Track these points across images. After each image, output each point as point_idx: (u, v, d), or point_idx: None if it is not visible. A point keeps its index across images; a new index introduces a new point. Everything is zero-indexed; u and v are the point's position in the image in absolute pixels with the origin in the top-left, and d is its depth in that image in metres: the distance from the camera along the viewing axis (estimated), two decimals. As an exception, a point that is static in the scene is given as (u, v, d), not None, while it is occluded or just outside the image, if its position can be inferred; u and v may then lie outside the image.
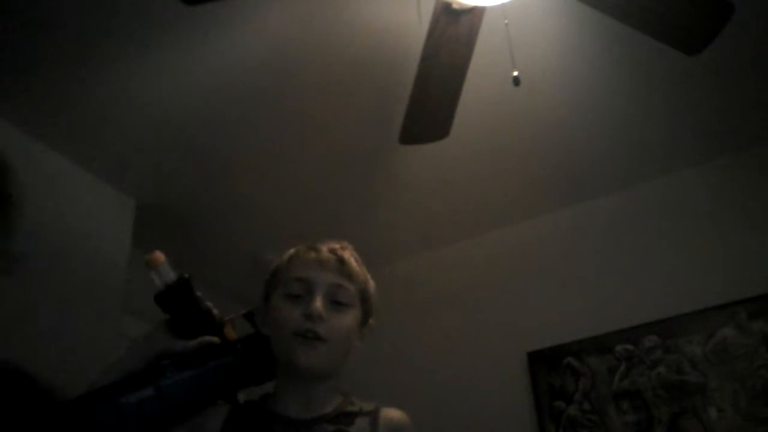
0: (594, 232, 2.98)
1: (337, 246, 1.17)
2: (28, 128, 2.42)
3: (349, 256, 1.16)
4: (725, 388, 2.44)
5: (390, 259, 3.38)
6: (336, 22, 2.12)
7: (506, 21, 1.93)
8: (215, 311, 1.10)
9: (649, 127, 2.64)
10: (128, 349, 1.07)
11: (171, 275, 1.07)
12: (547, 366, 2.79)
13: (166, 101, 2.36)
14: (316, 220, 3.06)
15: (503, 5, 1.85)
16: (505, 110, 2.51)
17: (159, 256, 1.07)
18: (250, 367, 1.06)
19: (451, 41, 1.78)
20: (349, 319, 1.09)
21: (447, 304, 3.16)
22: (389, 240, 3.24)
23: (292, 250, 1.18)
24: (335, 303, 1.08)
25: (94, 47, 2.12)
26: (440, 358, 3.04)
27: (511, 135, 2.63)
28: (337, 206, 2.99)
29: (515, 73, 1.79)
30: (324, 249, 1.15)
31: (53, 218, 2.47)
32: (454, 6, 1.70)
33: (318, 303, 1.05)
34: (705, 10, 1.70)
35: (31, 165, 2.45)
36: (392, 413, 1.12)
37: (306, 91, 2.37)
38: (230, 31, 2.11)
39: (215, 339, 1.06)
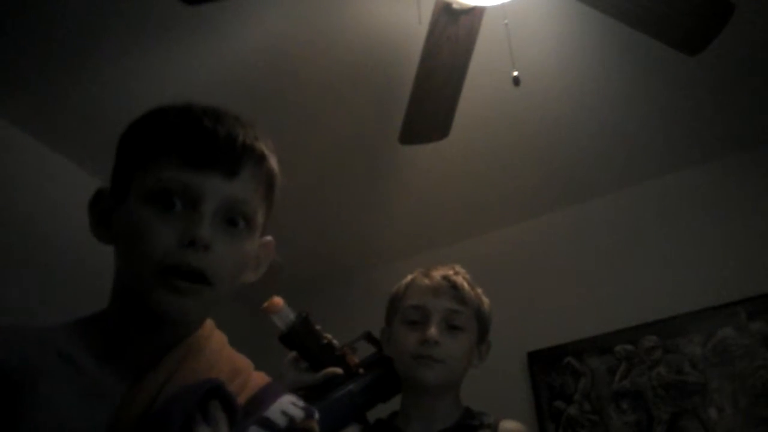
0: (594, 232, 2.98)
1: (450, 272, 1.23)
2: (28, 128, 2.42)
3: (462, 280, 1.22)
4: (725, 388, 2.44)
5: (390, 259, 3.38)
6: (336, 22, 2.12)
7: (506, 21, 1.93)
8: (335, 341, 1.14)
9: (649, 127, 2.64)
10: None
11: (291, 316, 1.12)
12: (547, 366, 2.79)
13: (167, 101, 2.35)
14: (316, 220, 3.06)
15: (503, 5, 1.85)
16: (505, 110, 2.51)
17: (278, 301, 1.12)
18: (373, 389, 1.12)
19: (451, 41, 1.78)
20: (464, 341, 1.17)
21: (447, 304, 3.16)
22: (389, 240, 3.24)
23: (408, 278, 1.26)
24: (451, 327, 1.16)
25: (93, 47, 2.12)
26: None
27: (510, 135, 2.63)
28: (336, 206, 2.99)
29: (515, 73, 1.79)
30: (437, 276, 1.21)
31: (53, 218, 2.47)
32: (454, 6, 1.70)
33: (433, 329, 1.14)
34: (705, 10, 1.70)
35: (30, 165, 2.46)
36: (511, 425, 1.20)
37: (305, 91, 2.37)
38: (230, 31, 2.11)
39: (338, 370, 1.10)
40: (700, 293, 2.62)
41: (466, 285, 1.21)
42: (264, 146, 0.86)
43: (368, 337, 1.17)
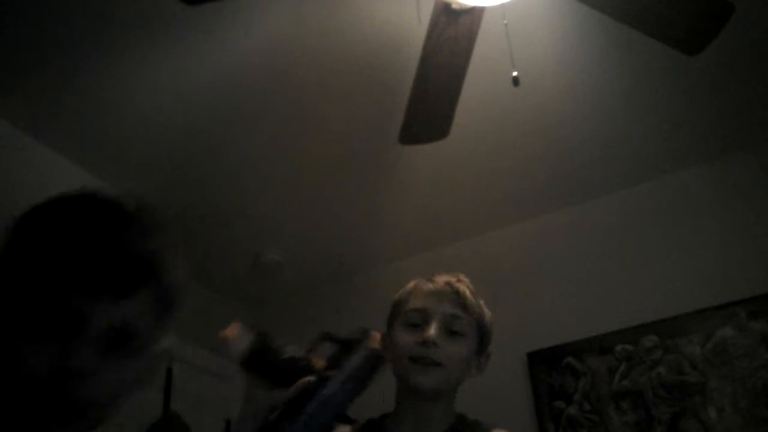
0: (594, 232, 2.97)
1: (453, 278, 1.24)
2: (28, 128, 2.42)
3: (465, 288, 1.22)
4: (725, 388, 2.44)
5: (390, 259, 3.38)
6: (336, 23, 2.12)
7: (506, 21, 1.93)
8: (296, 352, 1.11)
9: (649, 127, 2.63)
10: (236, 424, 1.11)
11: (246, 339, 1.09)
12: (547, 366, 2.79)
13: (167, 101, 2.36)
14: (316, 220, 3.06)
15: (503, 5, 1.85)
16: (505, 110, 2.51)
17: (233, 330, 1.09)
18: (349, 383, 1.09)
19: (451, 41, 1.78)
20: (464, 347, 1.17)
21: (447, 304, 3.16)
22: (389, 240, 3.24)
23: (412, 283, 1.25)
24: (451, 332, 1.15)
25: (94, 47, 2.12)
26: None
27: (511, 135, 2.63)
28: (336, 206, 2.99)
29: (515, 73, 1.79)
30: (440, 281, 1.22)
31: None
32: (454, 6, 1.70)
33: (433, 330, 1.13)
34: (705, 10, 1.70)
35: (30, 165, 2.46)
36: None
37: (306, 91, 2.37)
38: (230, 31, 2.11)
39: (308, 379, 1.07)
40: (700, 293, 2.62)
41: (468, 293, 1.21)
42: None
43: (327, 337, 1.14)
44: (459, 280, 1.23)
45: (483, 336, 1.21)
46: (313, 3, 2.06)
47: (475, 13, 1.74)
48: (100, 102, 2.33)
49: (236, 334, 1.08)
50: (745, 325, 2.48)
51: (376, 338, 1.09)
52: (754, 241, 2.62)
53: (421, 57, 1.83)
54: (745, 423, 2.36)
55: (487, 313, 1.24)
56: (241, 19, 2.07)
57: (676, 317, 2.62)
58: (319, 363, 1.10)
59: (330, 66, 2.28)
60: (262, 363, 1.08)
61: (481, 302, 1.23)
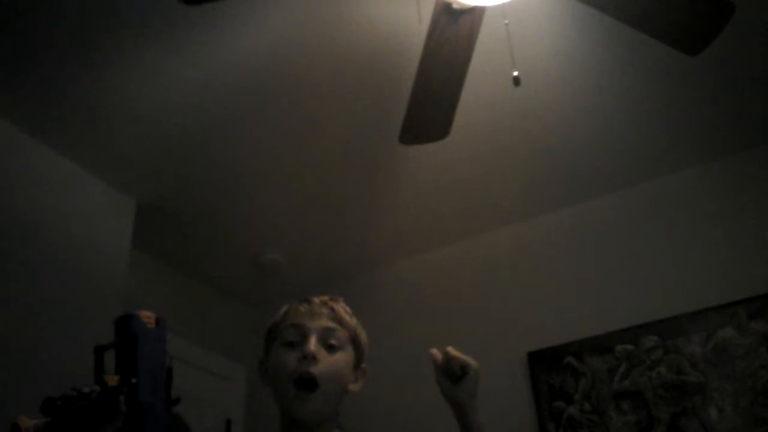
0: (594, 232, 2.98)
1: (327, 298, 1.26)
2: (28, 128, 2.42)
3: (339, 306, 1.25)
4: (725, 388, 2.44)
5: (390, 259, 3.38)
6: (336, 23, 2.12)
7: (506, 21, 1.93)
8: (82, 388, 0.97)
9: (649, 127, 2.64)
10: None
11: (34, 422, 0.96)
12: (547, 366, 2.79)
13: (167, 101, 2.36)
14: (316, 221, 3.06)
15: (503, 5, 1.85)
16: (505, 110, 2.51)
17: (25, 420, 0.96)
18: (154, 372, 1.02)
19: (451, 41, 1.78)
20: (342, 360, 1.19)
21: (447, 303, 3.16)
22: (389, 240, 3.24)
23: (285, 306, 1.26)
24: (328, 346, 1.17)
25: (94, 47, 2.12)
26: (440, 358, 3.04)
27: (511, 135, 2.63)
28: (336, 206, 2.99)
29: (515, 73, 1.79)
30: (315, 300, 1.24)
31: (53, 218, 2.47)
32: (454, 6, 1.70)
33: (312, 345, 1.15)
34: (705, 10, 1.70)
35: (31, 165, 2.45)
36: None
37: (306, 91, 2.37)
38: (230, 32, 2.11)
39: (117, 399, 0.97)
40: (700, 293, 2.63)
41: (342, 310, 1.24)
42: None
43: (101, 350, 1.01)
44: (333, 299, 1.26)
45: (359, 350, 1.23)
46: (312, 3, 2.05)
47: (476, 12, 1.74)
48: (100, 102, 2.33)
49: (29, 424, 0.96)
50: (746, 325, 2.49)
51: (143, 314, 1.02)
52: (754, 241, 2.63)
53: (422, 57, 1.83)
54: (745, 423, 2.36)
55: (362, 331, 1.26)
56: (241, 20, 2.07)
57: (676, 317, 2.62)
58: (113, 379, 1.00)
59: (330, 66, 2.28)
60: (61, 425, 0.95)
61: (357, 321, 1.26)
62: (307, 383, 1.12)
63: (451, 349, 1.19)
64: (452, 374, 1.16)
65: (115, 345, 1.00)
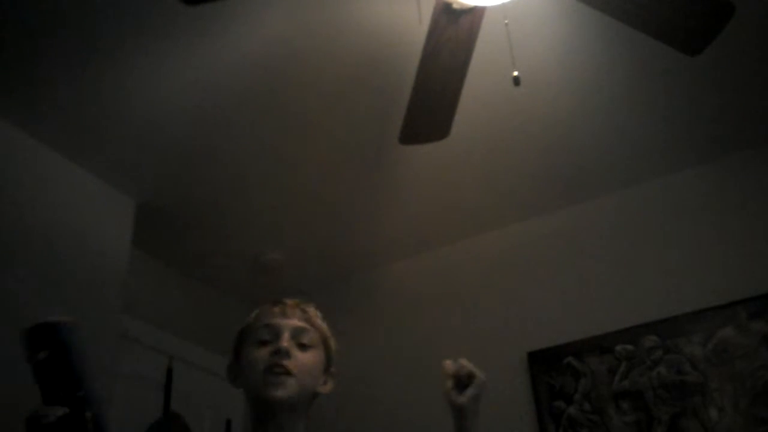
0: (594, 232, 2.98)
1: (298, 301, 1.30)
2: (28, 128, 2.42)
3: (310, 309, 1.29)
4: (725, 388, 2.44)
5: (390, 259, 3.38)
6: (336, 23, 2.12)
7: (506, 21, 1.93)
8: (59, 413, 0.93)
9: (649, 127, 2.64)
10: None
11: None
12: (547, 366, 2.79)
13: (167, 101, 2.36)
14: (316, 221, 3.06)
15: (503, 5, 1.85)
16: (505, 110, 2.51)
17: None
18: (85, 372, 0.95)
19: (451, 41, 1.78)
20: (314, 357, 1.22)
21: (447, 303, 3.16)
22: (389, 240, 3.24)
23: (256, 310, 1.30)
24: (300, 345, 1.20)
25: (94, 47, 2.12)
26: (439, 358, 3.04)
27: (511, 135, 2.63)
28: (336, 206, 2.99)
29: (515, 73, 1.79)
30: (288, 301, 1.28)
31: (53, 218, 2.47)
32: (454, 6, 1.70)
33: (285, 341, 1.18)
34: (705, 10, 1.70)
35: (31, 165, 2.45)
36: None
37: (306, 92, 2.37)
38: (230, 32, 2.11)
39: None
40: (700, 293, 2.63)
41: (313, 313, 1.28)
42: None
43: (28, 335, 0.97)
44: (304, 303, 1.30)
45: (329, 354, 1.27)
46: (312, 3, 2.05)
47: (476, 12, 1.74)
48: (101, 102, 2.33)
49: None
50: (746, 325, 2.49)
51: (62, 319, 0.98)
52: (754, 241, 2.63)
53: (422, 57, 1.83)
54: (745, 423, 2.36)
55: (332, 336, 1.29)
56: (241, 20, 2.07)
57: (676, 317, 2.62)
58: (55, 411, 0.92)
59: (330, 66, 2.28)
60: None
61: (327, 326, 1.30)
62: (280, 369, 1.14)
63: (464, 360, 1.23)
64: (459, 381, 1.20)
65: (47, 358, 0.94)
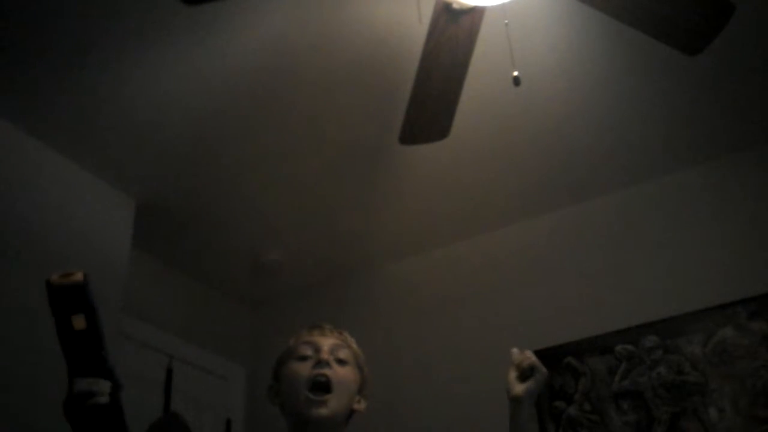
0: (594, 232, 2.98)
1: (333, 326, 1.38)
2: (28, 128, 2.42)
3: (346, 333, 1.37)
4: (725, 388, 2.44)
5: (390, 259, 3.38)
6: (336, 22, 2.12)
7: (506, 21, 1.93)
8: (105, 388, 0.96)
9: (649, 127, 2.64)
10: None
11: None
12: (547, 366, 2.77)
13: (166, 101, 2.36)
14: (316, 221, 3.06)
15: (503, 5, 1.85)
16: (505, 110, 2.51)
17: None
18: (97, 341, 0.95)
19: (451, 41, 1.78)
20: (351, 373, 1.29)
21: (447, 304, 3.16)
22: (389, 240, 3.24)
23: (295, 335, 1.38)
24: (338, 360, 1.28)
25: (93, 47, 2.12)
26: (440, 358, 3.04)
27: (511, 135, 2.63)
28: (336, 207, 2.99)
29: (515, 73, 1.79)
30: (326, 325, 1.37)
31: (53, 218, 2.47)
32: (454, 6, 1.70)
33: (325, 353, 1.26)
34: (705, 10, 1.70)
35: (31, 165, 2.45)
36: None
37: (306, 91, 2.37)
38: (230, 31, 2.11)
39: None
40: (700, 293, 2.62)
41: (349, 336, 1.36)
42: None
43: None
44: (341, 329, 1.38)
45: (363, 376, 1.34)
46: (312, 3, 2.05)
47: (476, 12, 1.74)
48: (101, 102, 2.33)
49: None
50: (746, 325, 2.49)
51: (87, 274, 0.98)
52: (754, 241, 2.63)
53: (422, 57, 1.83)
54: (745, 423, 2.36)
55: (366, 362, 1.36)
56: (241, 19, 2.07)
57: (676, 317, 2.62)
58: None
59: (330, 66, 2.28)
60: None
61: (360, 350, 1.37)
62: (322, 386, 1.21)
63: (528, 351, 1.31)
64: (522, 372, 1.26)
65: (85, 326, 0.92)
